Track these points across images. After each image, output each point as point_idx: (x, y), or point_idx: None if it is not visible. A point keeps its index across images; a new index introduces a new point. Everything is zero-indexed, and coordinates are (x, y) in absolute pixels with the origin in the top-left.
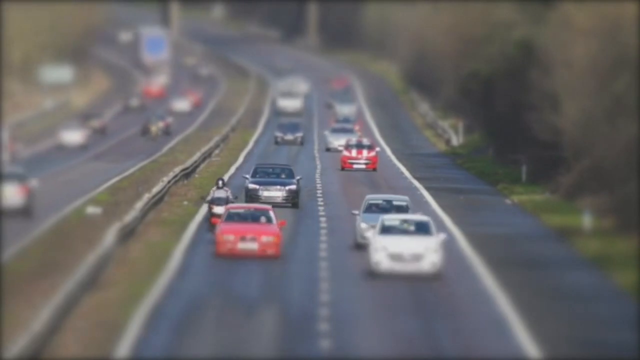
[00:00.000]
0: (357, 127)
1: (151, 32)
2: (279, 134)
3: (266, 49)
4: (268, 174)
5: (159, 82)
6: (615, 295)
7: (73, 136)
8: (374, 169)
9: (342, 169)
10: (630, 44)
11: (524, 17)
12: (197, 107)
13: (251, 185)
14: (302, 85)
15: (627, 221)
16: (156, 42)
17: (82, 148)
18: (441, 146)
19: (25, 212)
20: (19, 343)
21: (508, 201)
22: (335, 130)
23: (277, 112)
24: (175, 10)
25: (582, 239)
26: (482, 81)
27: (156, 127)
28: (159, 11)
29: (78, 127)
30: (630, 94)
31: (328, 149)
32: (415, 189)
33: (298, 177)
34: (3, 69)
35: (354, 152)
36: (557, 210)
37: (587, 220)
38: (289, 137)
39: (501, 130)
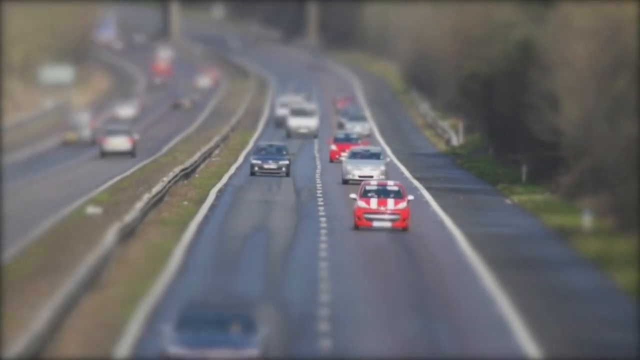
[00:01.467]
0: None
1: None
2: (256, 162)
3: (267, 49)
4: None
5: (163, 57)
6: (615, 295)
7: (126, 110)
8: (405, 228)
9: (357, 226)
10: (630, 44)
11: (524, 17)
12: (216, 84)
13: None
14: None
15: (627, 221)
16: (107, 24)
17: (134, 120)
18: (441, 146)
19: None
20: (19, 343)
21: (508, 201)
22: (355, 156)
23: (287, 134)
24: (175, 10)
25: (582, 239)
26: (482, 81)
27: (189, 101)
28: (159, 11)
29: (131, 102)
30: (630, 94)
31: (346, 181)
32: (416, 189)
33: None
34: (3, 69)
35: (373, 203)
36: (557, 210)
37: (587, 220)
38: (271, 165)
39: (501, 130)
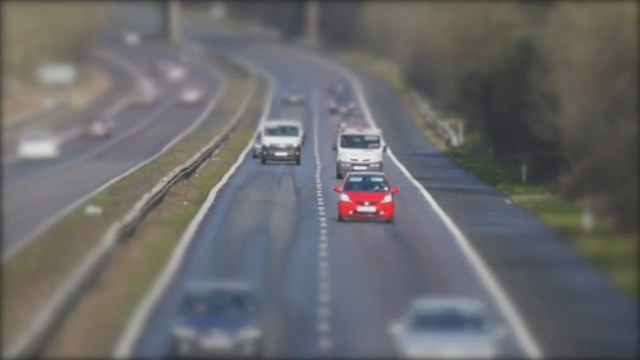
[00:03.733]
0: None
1: None
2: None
3: (266, 49)
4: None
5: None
6: (615, 295)
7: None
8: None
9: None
10: (630, 44)
11: (524, 17)
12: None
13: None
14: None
15: (627, 221)
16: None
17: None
18: (441, 146)
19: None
20: (19, 343)
21: (508, 201)
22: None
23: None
24: (175, 10)
25: (582, 238)
26: (482, 81)
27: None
28: (159, 11)
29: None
30: (630, 94)
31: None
32: (415, 189)
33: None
34: (3, 69)
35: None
36: (557, 210)
37: (587, 220)
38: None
39: (501, 130)
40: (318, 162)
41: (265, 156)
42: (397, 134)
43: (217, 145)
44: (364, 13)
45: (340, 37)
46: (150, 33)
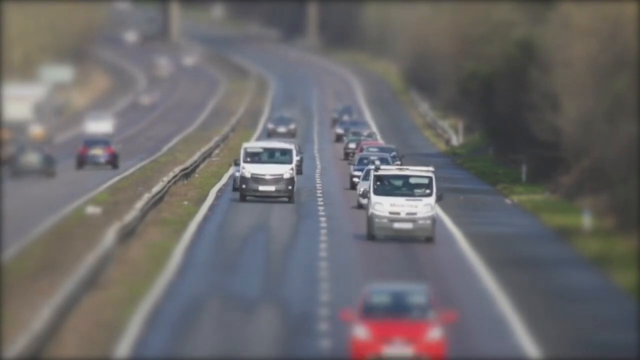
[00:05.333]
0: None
1: None
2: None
3: (266, 49)
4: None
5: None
6: (615, 295)
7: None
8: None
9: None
10: (630, 44)
11: (524, 17)
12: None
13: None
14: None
15: (627, 221)
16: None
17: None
18: (441, 146)
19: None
20: (19, 343)
21: (508, 201)
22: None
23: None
24: (175, 10)
25: (582, 239)
26: (482, 81)
27: None
28: (159, 11)
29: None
30: (630, 94)
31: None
32: None
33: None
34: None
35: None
36: (557, 210)
37: (587, 220)
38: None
39: (501, 130)
40: (318, 162)
41: (244, 191)
42: (397, 134)
43: (217, 145)
44: (363, 13)
45: (340, 37)
46: (147, 33)
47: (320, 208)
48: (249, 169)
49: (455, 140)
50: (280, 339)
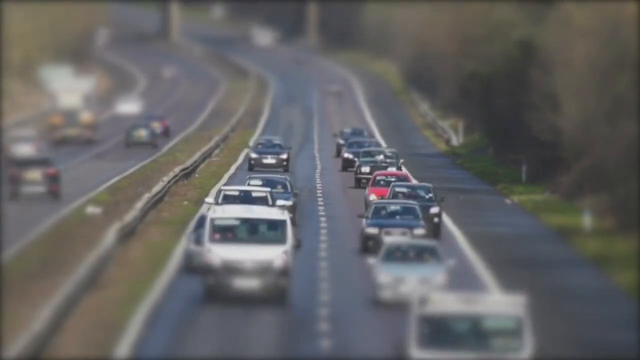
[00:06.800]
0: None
1: None
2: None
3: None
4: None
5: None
6: (615, 295)
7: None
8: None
9: None
10: (630, 44)
11: (524, 17)
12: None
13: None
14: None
15: (627, 221)
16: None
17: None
18: (441, 146)
19: None
20: (19, 343)
21: (508, 201)
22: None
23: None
24: (175, 10)
25: (582, 239)
26: (482, 81)
27: None
28: (159, 11)
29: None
30: (630, 94)
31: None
32: None
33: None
34: (3, 69)
35: None
36: (557, 210)
37: (587, 220)
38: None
39: (501, 130)
40: (318, 162)
41: (211, 287)
42: (397, 134)
43: (217, 145)
44: (364, 13)
45: (340, 36)
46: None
47: (320, 208)
48: (219, 252)
49: (455, 140)
50: (280, 339)
